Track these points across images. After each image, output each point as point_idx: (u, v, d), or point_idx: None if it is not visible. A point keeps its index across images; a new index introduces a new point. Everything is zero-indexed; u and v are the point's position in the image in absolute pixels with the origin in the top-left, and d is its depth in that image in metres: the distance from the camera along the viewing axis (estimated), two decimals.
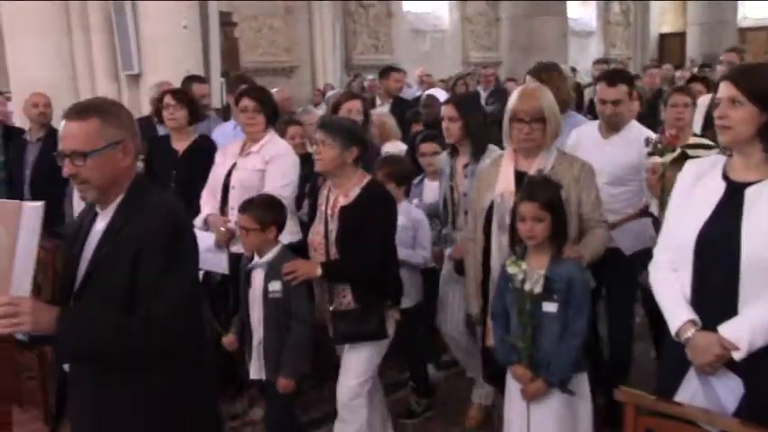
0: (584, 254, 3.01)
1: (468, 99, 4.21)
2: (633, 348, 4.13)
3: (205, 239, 3.99)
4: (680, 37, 20.77)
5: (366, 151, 3.39)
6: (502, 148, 3.51)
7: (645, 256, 3.23)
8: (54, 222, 3.84)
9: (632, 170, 3.80)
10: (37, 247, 2.07)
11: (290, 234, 3.76)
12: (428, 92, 7.36)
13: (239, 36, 10.91)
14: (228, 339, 3.53)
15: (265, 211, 3.35)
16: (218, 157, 4.28)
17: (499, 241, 3.18)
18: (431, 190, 4.55)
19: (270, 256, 3.36)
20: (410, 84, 9.77)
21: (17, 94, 7.04)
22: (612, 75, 4.05)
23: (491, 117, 4.22)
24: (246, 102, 4.10)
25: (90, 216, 2.31)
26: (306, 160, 4.24)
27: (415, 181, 4.69)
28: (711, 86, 5.88)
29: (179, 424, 2.28)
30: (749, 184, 2.29)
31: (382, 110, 6.68)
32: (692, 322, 2.33)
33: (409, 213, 4.06)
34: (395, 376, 4.46)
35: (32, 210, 2.06)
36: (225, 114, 6.46)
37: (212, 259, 3.94)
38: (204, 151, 4.54)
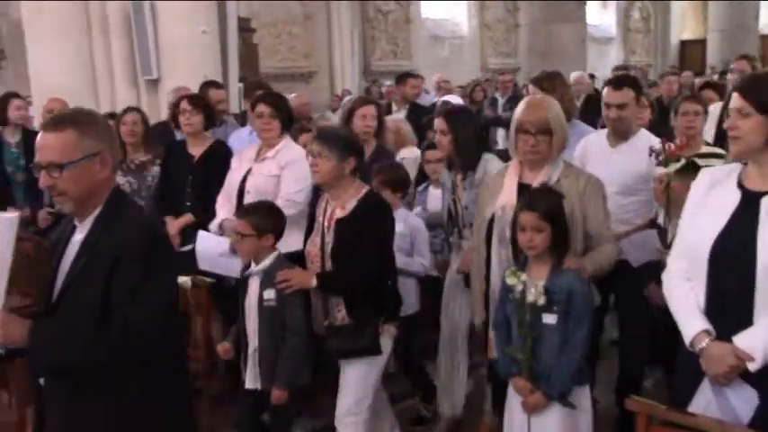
0: (587, 266, 2.92)
1: (459, 112, 4.08)
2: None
3: (220, 244, 4.03)
4: (701, 44, 20.54)
5: (362, 162, 3.32)
6: (500, 155, 3.44)
7: (653, 267, 3.18)
8: None
9: (641, 179, 3.72)
10: (10, 259, 2.02)
11: (299, 243, 3.66)
12: (443, 98, 7.37)
13: (258, 42, 11.02)
14: (224, 347, 3.44)
15: (263, 218, 3.30)
16: (234, 163, 4.32)
17: (499, 254, 3.12)
18: (435, 198, 4.52)
19: (266, 263, 3.29)
20: (428, 90, 9.77)
21: (38, 99, 7.08)
22: (618, 79, 4.03)
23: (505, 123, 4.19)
24: (262, 107, 4.14)
25: (69, 228, 2.28)
26: None
27: (420, 188, 4.68)
28: (723, 93, 5.83)
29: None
30: (765, 193, 2.28)
31: (398, 116, 6.69)
32: (707, 332, 2.31)
33: (407, 220, 4.02)
34: (403, 385, 4.36)
35: (6, 221, 2.03)
36: (243, 120, 6.50)
37: (226, 264, 3.93)
38: (220, 156, 4.57)
